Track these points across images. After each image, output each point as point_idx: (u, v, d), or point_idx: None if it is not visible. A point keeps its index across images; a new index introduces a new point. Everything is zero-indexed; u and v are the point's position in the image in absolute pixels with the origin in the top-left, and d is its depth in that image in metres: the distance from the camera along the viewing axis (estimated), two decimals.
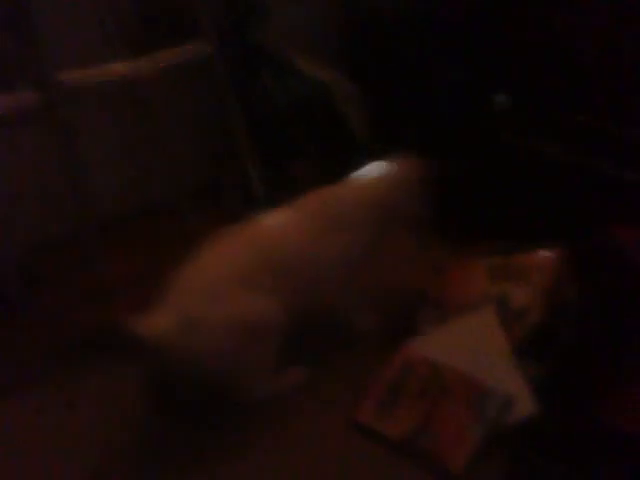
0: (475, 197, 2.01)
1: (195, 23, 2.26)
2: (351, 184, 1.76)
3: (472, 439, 1.35)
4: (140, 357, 1.48)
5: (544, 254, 1.64)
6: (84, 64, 2.07)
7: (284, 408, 1.54)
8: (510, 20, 2.15)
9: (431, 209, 1.76)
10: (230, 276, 1.52)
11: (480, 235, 1.85)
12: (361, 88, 2.46)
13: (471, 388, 1.41)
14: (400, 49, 2.36)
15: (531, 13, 2.10)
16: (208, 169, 2.54)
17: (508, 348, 1.47)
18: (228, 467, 1.42)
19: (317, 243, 1.63)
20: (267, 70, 2.44)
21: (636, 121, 1.86)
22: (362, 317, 1.76)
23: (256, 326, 1.49)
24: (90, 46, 2.22)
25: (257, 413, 1.53)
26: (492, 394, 1.39)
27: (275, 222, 1.67)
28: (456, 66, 2.26)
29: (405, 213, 1.73)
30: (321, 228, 1.65)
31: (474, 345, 1.51)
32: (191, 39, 2.25)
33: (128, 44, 2.24)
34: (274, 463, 1.42)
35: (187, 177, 2.44)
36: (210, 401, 1.54)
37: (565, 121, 2.03)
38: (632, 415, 1.35)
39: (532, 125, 2.09)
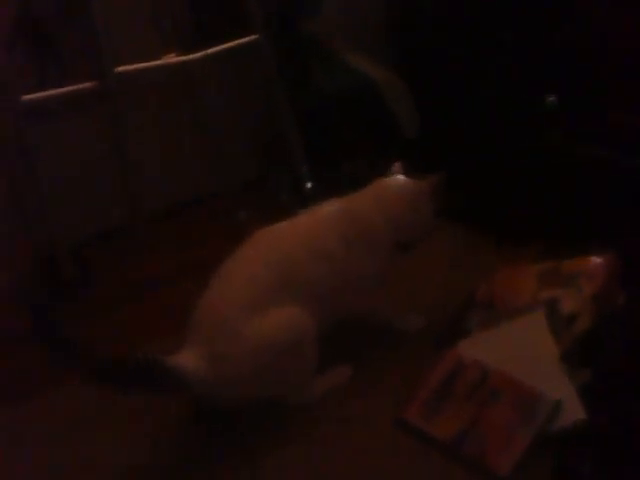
0: (526, 200, 2.00)
1: (247, 17, 2.28)
2: (371, 195, 1.70)
3: (519, 444, 1.35)
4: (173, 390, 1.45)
5: (594, 260, 1.63)
6: (140, 58, 2.11)
7: (327, 407, 1.54)
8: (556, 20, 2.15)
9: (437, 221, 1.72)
10: (251, 300, 1.47)
11: (530, 238, 1.84)
12: (411, 87, 2.46)
13: (520, 392, 1.41)
14: (450, 48, 2.36)
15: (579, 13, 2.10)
16: (258, 164, 2.56)
17: (557, 353, 1.47)
18: (267, 470, 1.42)
19: (337, 251, 1.59)
20: (317, 64, 2.45)
21: None
22: (403, 320, 1.75)
23: (286, 342, 1.46)
24: (146, 41, 2.25)
25: (299, 414, 1.52)
26: (541, 399, 1.39)
27: (291, 231, 1.63)
28: (506, 66, 2.26)
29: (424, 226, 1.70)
30: (341, 237, 1.60)
31: (523, 349, 1.51)
32: (243, 33, 2.27)
33: (182, 39, 2.27)
34: (319, 462, 1.43)
35: (237, 171, 2.47)
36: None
37: (615, 123, 2.01)
38: None
39: (582, 127, 2.08)
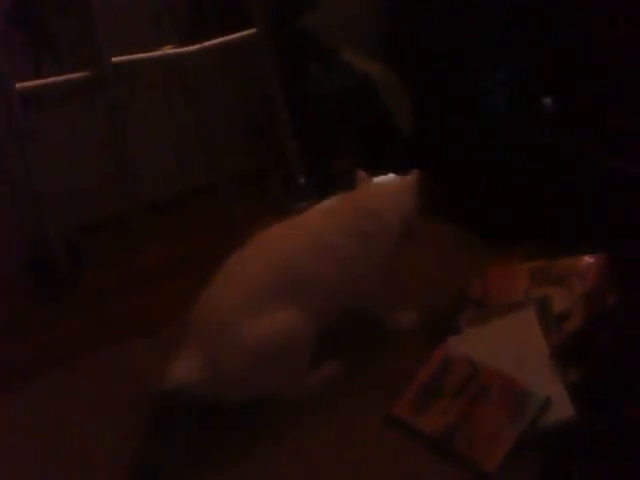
0: (519, 199, 2.01)
1: (244, 10, 2.27)
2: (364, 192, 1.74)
3: (508, 439, 1.36)
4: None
5: (586, 260, 1.64)
6: (136, 49, 2.10)
7: (319, 403, 1.54)
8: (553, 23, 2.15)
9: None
10: (250, 301, 1.48)
11: (523, 237, 1.85)
12: (406, 83, 2.46)
13: (510, 388, 1.42)
14: (448, 47, 2.36)
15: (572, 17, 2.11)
16: (253, 158, 2.56)
17: (547, 351, 1.48)
18: (261, 464, 1.43)
19: (350, 248, 1.61)
20: (314, 60, 2.45)
21: None
22: (396, 316, 1.76)
23: (283, 344, 1.47)
24: (144, 33, 2.25)
25: (292, 410, 1.53)
26: (531, 395, 1.39)
27: (295, 231, 1.64)
28: (503, 66, 2.27)
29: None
30: (357, 234, 1.63)
31: (513, 346, 1.52)
32: (240, 26, 2.27)
33: (181, 32, 2.26)
34: (308, 459, 1.43)
35: (231, 165, 2.46)
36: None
37: (610, 124, 2.02)
38: None
39: (577, 127, 2.09)
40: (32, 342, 1.89)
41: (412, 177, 1.76)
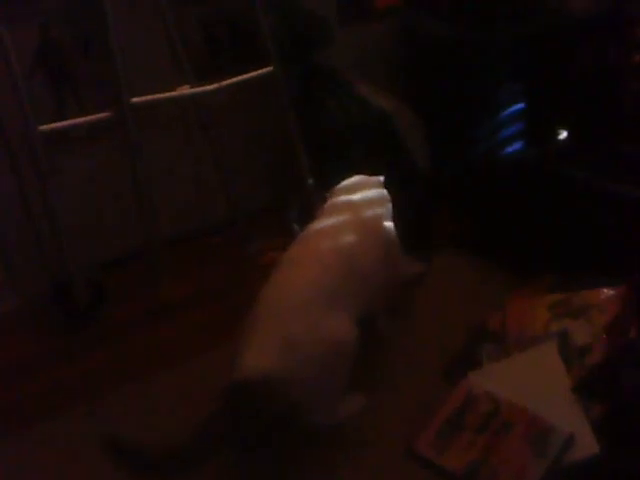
0: (537, 230, 2.00)
1: (262, 49, 2.32)
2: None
3: (532, 476, 1.34)
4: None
5: (606, 292, 1.63)
6: (155, 90, 2.15)
7: (339, 436, 1.54)
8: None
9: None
10: (317, 296, 1.48)
11: (542, 270, 1.84)
12: (422, 118, 2.48)
13: (533, 424, 1.40)
14: (462, 82, 2.38)
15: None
16: (271, 189, 2.59)
17: (569, 385, 1.47)
18: None
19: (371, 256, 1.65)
20: (330, 96, 2.47)
21: None
22: (387, 323, 1.81)
23: (340, 348, 1.46)
24: (162, 74, 2.30)
25: (315, 442, 1.52)
26: (554, 432, 1.38)
27: (339, 236, 1.65)
28: (518, 100, 2.29)
29: None
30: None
31: (535, 380, 1.51)
32: (256, 63, 2.31)
33: (197, 72, 2.30)
34: None
35: (250, 199, 2.49)
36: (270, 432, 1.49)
37: (626, 153, 2.02)
38: None
39: (593, 158, 2.09)
40: (52, 376, 1.91)
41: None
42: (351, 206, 1.74)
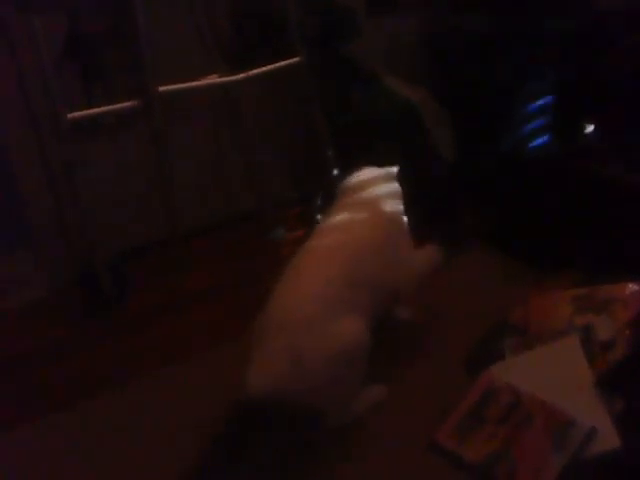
0: (562, 226, 1.99)
1: (290, 39, 2.32)
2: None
3: (551, 469, 1.34)
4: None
5: (630, 287, 1.62)
6: (184, 79, 2.16)
7: (361, 427, 1.54)
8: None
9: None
10: (323, 300, 1.48)
11: (566, 265, 1.83)
12: (449, 110, 2.47)
13: (554, 417, 1.40)
14: (490, 73, 2.37)
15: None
16: (296, 180, 2.60)
17: (592, 379, 1.46)
18: None
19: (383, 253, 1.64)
20: (357, 87, 2.47)
21: None
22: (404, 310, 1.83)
23: (350, 350, 1.46)
24: (191, 62, 2.31)
25: (336, 434, 1.51)
26: (575, 425, 1.38)
27: (348, 233, 1.65)
28: (547, 95, 2.27)
29: None
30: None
31: (557, 374, 1.50)
32: (284, 54, 2.32)
33: (226, 60, 2.32)
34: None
35: (275, 188, 2.51)
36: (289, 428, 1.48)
37: None
38: None
39: (621, 155, 2.07)
40: (81, 360, 1.94)
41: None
42: (362, 201, 1.72)
